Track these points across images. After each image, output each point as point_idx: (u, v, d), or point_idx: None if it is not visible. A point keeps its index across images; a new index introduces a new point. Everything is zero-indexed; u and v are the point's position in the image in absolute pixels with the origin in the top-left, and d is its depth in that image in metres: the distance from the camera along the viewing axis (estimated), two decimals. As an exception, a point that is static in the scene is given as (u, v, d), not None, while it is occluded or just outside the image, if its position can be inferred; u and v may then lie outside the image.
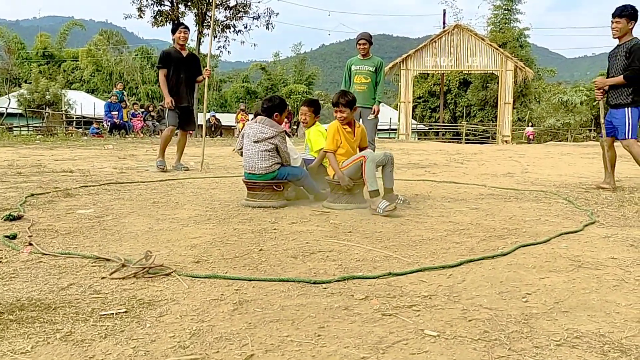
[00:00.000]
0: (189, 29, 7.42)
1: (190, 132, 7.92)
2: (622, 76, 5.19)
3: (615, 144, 5.61)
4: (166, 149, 7.28)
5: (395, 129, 24.88)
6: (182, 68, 7.08)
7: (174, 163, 7.28)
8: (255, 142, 4.47)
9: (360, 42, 7.28)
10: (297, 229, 3.60)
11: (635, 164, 5.52)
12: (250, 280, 2.47)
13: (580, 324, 1.99)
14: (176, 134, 7.61)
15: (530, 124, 30.31)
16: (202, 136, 8.19)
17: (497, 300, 2.24)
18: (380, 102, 7.41)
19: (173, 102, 6.97)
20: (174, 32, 7.23)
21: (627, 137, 5.34)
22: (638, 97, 5.26)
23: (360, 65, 7.33)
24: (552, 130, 31.17)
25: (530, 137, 27.56)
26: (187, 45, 7.39)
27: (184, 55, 7.15)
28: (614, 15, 5.28)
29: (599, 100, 5.55)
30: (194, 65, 7.32)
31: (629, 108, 5.28)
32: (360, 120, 7.52)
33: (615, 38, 5.37)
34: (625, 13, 5.21)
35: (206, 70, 7.40)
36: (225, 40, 26.72)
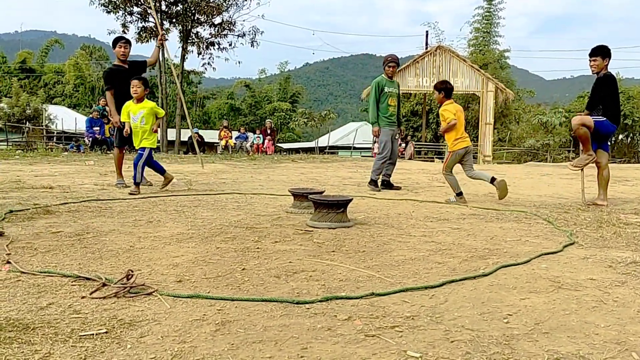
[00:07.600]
0: (130, 44, 7.18)
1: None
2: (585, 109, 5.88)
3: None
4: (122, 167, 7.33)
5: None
6: (127, 82, 6.71)
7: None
8: None
9: (390, 64, 7.35)
10: (280, 247, 3.60)
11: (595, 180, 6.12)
12: (232, 300, 2.46)
13: (560, 345, 2.01)
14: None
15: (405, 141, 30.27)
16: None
17: (478, 321, 2.26)
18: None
19: (120, 122, 6.73)
20: (114, 46, 7.05)
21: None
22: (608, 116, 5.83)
23: (391, 87, 7.40)
24: (531, 151, 31.61)
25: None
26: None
27: (127, 68, 7.00)
28: (591, 55, 5.80)
29: None
30: (140, 72, 7.14)
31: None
32: (394, 138, 7.57)
33: (594, 74, 5.87)
34: (600, 52, 5.77)
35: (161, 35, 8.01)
36: (209, 57, 26.73)
